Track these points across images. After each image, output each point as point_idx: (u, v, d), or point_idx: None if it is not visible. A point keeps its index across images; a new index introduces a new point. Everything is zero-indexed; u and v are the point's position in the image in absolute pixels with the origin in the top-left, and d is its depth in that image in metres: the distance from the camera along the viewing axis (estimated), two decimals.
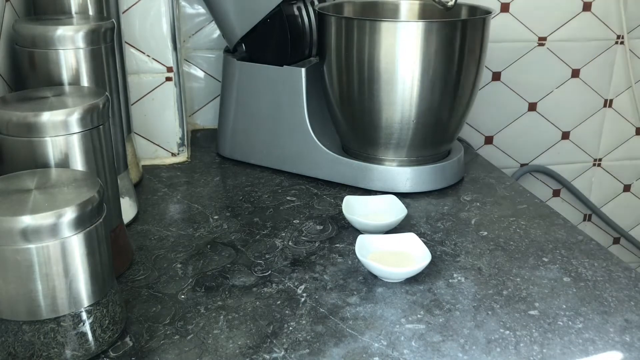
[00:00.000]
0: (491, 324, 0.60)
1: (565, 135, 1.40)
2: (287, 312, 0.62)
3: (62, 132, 0.58)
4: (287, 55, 0.93)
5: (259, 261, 0.71)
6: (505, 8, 1.26)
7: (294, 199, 0.88)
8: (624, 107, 1.41)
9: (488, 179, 0.95)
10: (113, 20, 0.74)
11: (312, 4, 0.97)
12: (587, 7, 1.30)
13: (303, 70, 0.92)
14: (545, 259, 0.72)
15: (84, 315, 0.53)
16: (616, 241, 1.51)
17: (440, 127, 0.89)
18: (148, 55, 0.96)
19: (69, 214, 0.50)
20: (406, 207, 0.79)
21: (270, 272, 0.69)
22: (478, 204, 0.87)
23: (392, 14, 1.00)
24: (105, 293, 0.55)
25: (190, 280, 0.68)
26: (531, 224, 0.81)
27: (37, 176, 0.55)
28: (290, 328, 0.60)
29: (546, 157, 1.41)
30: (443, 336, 0.59)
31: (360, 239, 0.69)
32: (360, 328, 0.60)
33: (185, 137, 1.02)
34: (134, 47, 0.95)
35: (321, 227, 0.80)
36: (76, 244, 0.51)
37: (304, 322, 0.61)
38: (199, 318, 0.61)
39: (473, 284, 0.67)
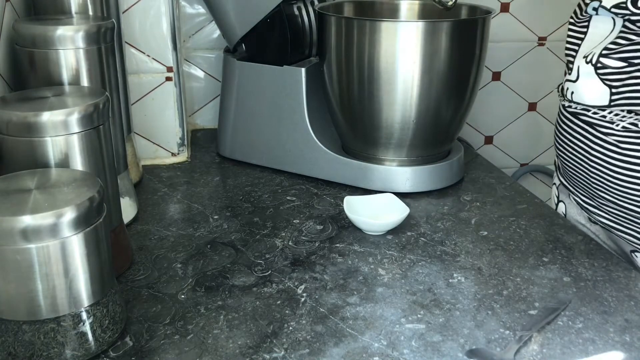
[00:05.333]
0: (491, 324, 0.60)
1: None
2: (287, 312, 0.62)
3: (62, 132, 0.58)
4: (287, 55, 0.93)
5: (259, 261, 0.71)
6: (505, 8, 1.26)
7: (294, 198, 0.88)
8: None
9: (488, 179, 0.95)
10: (113, 20, 0.74)
11: (312, 4, 0.97)
12: None
13: (303, 70, 0.92)
14: (545, 259, 0.72)
15: (84, 315, 0.53)
16: None
17: (440, 127, 0.89)
18: (148, 55, 0.96)
19: (69, 214, 0.50)
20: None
21: (270, 272, 0.69)
22: (478, 203, 0.87)
23: (392, 14, 1.00)
24: (105, 293, 0.55)
25: (190, 280, 0.68)
26: (531, 224, 0.81)
27: (37, 176, 0.55)
28: (290, 328, 0.60)
29: (546, 157, 1.41)
30: (443, 336, 0.59)
31: (347, 199, 0.81)
32: (360, 328, 0.60)
33: (185, 137, 1.02)
34: (134, 47, 0.95)
35: (321, 227, 0.80)
36: (76, 244, 0.51)
37: (304, 322, 0.61)
38: (199, 318, 0.61)
39: (473, 283, 0.67)
